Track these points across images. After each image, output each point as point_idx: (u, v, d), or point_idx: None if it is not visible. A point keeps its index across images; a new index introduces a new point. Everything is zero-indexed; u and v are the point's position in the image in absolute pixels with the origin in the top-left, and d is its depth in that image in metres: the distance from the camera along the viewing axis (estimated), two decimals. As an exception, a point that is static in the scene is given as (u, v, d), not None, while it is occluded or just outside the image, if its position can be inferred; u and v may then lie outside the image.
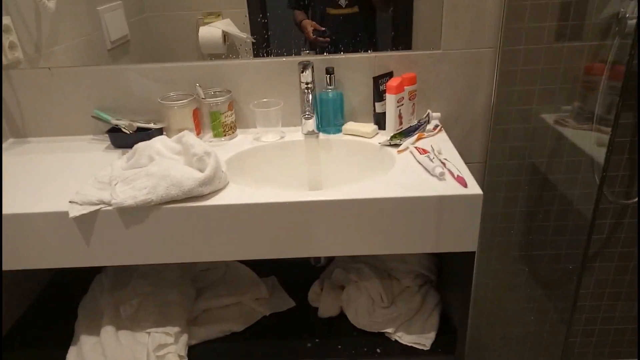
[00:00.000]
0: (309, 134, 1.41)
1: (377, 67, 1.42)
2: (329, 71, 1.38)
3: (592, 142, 1.46)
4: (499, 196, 1.63)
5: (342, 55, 1.42)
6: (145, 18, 1.42)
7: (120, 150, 1.39)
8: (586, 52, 1.41)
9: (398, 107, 1.35)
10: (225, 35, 1.43)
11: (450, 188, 1.09)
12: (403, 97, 1.36)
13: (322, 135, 1.43)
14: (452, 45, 1.40)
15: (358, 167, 1.38)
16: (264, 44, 1.43)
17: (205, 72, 1.44)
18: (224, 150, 1.36)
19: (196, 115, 1.40)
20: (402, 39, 1.43)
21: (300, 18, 1.43)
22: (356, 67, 1.42)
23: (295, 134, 1.44)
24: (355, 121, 1.50)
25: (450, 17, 1.36)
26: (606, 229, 1.70)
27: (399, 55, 1.41)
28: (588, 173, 1.51)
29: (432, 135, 1.39)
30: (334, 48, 1.43)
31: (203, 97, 1.37)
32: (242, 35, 1.43)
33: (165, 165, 1.10)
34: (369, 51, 1.42)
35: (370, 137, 1.40)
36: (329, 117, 1.43)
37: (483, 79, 1.44)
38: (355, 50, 1.42)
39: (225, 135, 1.42)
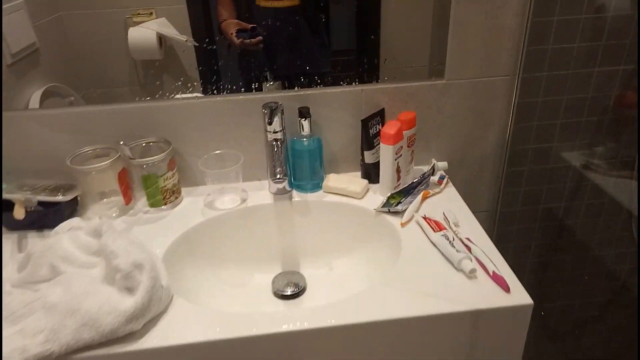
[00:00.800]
0: (279, 193, 1.07)
1: (364, 103, 1.09)
2: (303, 114, 1.04)
3: (630, 191, 1.20)
4: (508, 247, 1.36)
5: (317, 90, 1.07)
6: (59, 18, 1.01)
7: (17, 236, 0.99)
8: (619, 79, 1.14)
9: (396, 159, 1.03)
10: (160, 37, 1.05)
11: (488, 294, 0.78)
12: (402, 147, 1.04)
13: (296, 195, 1.09)
14: (459, 73, 1.08)
15: (347, 244, 1.06)
16: (214, 77, 1.06)
17: (133, 117, 1.05)
18: (165, 226, 0.99)
19: (123, 178, 1.02)
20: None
21: (224, 17, 1.05)
22: (337, 103, 1.09)
23: (260, 193, 1.10)
24: (337, 171, 1.17)
25: (458, 38, 1.04)
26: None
27: (392, 88, 1.08)
28: (625, 231, 1.26)
29: (439, 192, 1.09)
30: (307, 80, 1.08)
31: (131, 156, 1.00)
32: (182, 37, 1.05)
33: (75, 289, 0.73)
34: (354, 83, 1.08)
35: (360, 198, 1.07)
36: (304, 170, 1.09)
37: (496, 113, 1.14)
38: (323, 81, 1.08)
39: (165, 204, 1.05)
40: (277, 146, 0.99)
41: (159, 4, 1.03)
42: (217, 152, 1.08)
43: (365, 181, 1.10)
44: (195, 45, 1.04)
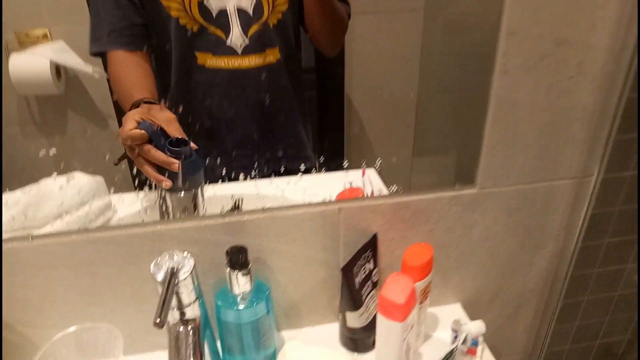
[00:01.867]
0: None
1: (342, 227, 0.64)
2: (239, 264, 0.57)
3: None
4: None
5: (262, 214, 0.61)
6: None
7: None
8: None
9: (405, 339, 0.58)
10: (57, 67, 0.59)
11: None
12: (415, 316, 0.59)
13: (229, 389, 0.63)
14: (500, 177, 0.65)
15: None
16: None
17: None
18: None
19: None
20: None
21: (134, 94, 0.62)
22: (296, 232, 0.63)
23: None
24: (299, 333, 0.71)
25: (502, 126, 0.61)
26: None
27: (391, 205, 0.64)
28: None
29: (472, 379, 0.65)
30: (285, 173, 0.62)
31: None
32: (86, 68, 0.61)
33: None
34: (328, 200, 0.63)
35: (340, 396, 0.62)
36: (240, 348, 0.62)
37: (551, 231, 0.72)
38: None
39: None
40: (187, 334, 0.53)
41: (56, 22, 0.63)
42: (76, 328, 0.60)
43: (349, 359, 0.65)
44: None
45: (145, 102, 0.59)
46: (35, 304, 0.60)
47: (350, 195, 0.64)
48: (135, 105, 0.59)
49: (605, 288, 0.81)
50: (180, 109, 0.62)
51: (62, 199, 0.57)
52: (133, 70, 0.64)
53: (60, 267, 0.58)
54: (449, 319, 0.74)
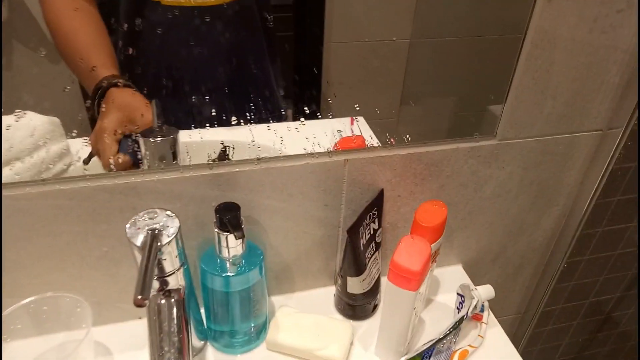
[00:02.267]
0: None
1: (346, 183, 0.56)
2: (231, 225, 0.48)
3: None
4: (533, 350, 0.94)
5: (256, 166, 0.52)
6: None
7: None
8: None
9: (416, 308, 0.52)
10: None
11: None
12: (426, 281, 0.53)
13: (215, 361, 0.56)
14: (523, 127, 0.58)
15: None
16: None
17: None
18: None
19: None
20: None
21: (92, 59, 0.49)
22: (294, 186, 0.54)
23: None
24: (291, 298, 0.64)
25: (535, 65, 0.53)
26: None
27: (402, 157, 0.56)
28: None
29: (478, 347, 0.60)
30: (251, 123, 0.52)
31: None
32: None
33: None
34: (331, 149, 0.54)
35: (341, 367, 0.56)
36: (230, 316, 0.55)
37: (566, 187, 0.67)
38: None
39: None
40: (170, 307, 0.44)
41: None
42: (34, 298, 0.50)
43: (348, 328, 0.58)
44: None
45: (111, 85, 0.47)
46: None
47: (356, 144, 0.55)
48: (100, 90, 0.47)
49: (607, 247, 0.78)
50: (133, 54, 0.50)
51: (10, 142, 0.46)
52: (79, 18, 0.49)
53: (11, 226, 0.47)
54: (450, 281, 0.69)
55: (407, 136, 0.55)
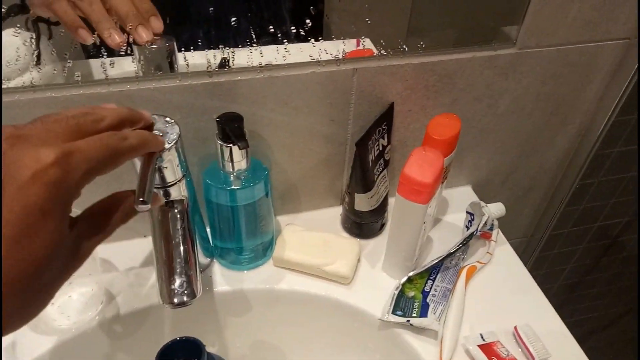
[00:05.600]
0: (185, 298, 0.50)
1: (355, 95, 0.53)
2: (234, 136, 0.46)
3: None
4: (537, 275, 0.94)
5: (258, 74, 0.49)
6: None
7: None
8: None
9: (424, 222, 0.51)
10: None
11: None
12: (437, 196, 0.51)
13: (220, 277, 0.55)
14: (545, 35, 0.54)
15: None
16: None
17: None
18: None
19: None
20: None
21: None
22: (299, 97, 0.51)
23: (142, 276, 0.55)
24: (297, 216, 0.63)
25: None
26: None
27: (414, 66, 0.52)
28: None
29: (486, 263, 0.60)
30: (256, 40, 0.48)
31: None
32: None
33: None
34: (338, 57, 0.50)
35: (348, 282, 0.56)
36: (236, 232, 0.54)
37: (584, 102, 0.63)
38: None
39: None
40: (174, 218, 0.43)
41: None
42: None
43: (355, 245, 0.57)
44: None
45: None
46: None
47: (366, 53, 0.52)
48: None
49: (621, 169, 0.76)
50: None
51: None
52: None
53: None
54: (459, 202, 0.67)
55: (422, 43, 0.51)
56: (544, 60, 0.56)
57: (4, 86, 0.44)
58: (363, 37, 0.52)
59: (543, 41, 0.54)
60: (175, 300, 0.41)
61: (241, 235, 0.54)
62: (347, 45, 0.50)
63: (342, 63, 0.50)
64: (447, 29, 0.54)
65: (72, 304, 0.50)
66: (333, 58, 0.50)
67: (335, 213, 0.64)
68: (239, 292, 0.55)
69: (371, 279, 0.57)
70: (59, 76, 0.44)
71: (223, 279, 0.55)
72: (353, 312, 0.54)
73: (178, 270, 0.42)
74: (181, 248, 0.42)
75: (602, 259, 0.98)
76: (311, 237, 0.58)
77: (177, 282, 0.41)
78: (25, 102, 0.44)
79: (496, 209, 0.60)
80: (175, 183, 0.43)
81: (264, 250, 0.57)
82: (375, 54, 0.51)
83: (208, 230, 0.56)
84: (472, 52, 0.53)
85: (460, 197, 0.68)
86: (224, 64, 0.48)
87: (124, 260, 0.56)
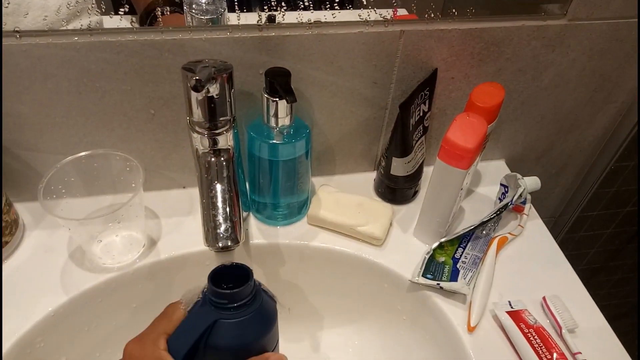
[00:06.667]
0: (226, 245, 0.52)
1: (399, 58, 0.53)
2: (282, 90, 0.46)
3: None
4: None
5: (306, 30, 0.49)
6: None
7: None
8: None
9: (462, 188, 0.52)
10: None
11: None
12: (476, 163, 0.52)
13: (256, 230, 0.57)
14: (597, 6, 0.53)
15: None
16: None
17: None
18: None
19: None
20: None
21: None
22: (345, 56, 0.52)
23: (185, 224, 0.56)
24: (332, 178, 0.64)
25: None
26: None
27: (461, 32, 0.52)
28: None
29: (517, 235, 0.60)
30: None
31: None
32: None
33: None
34: (387, 17, 0.50)
35: (380, 244, 0.57)
36: (273, 187, 0.55)
37: (626, 82, 0.62)
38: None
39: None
40: (220, 165, 0.44)
41: None
42: (89, 153, 0.51)
43: (388, 209, 0.58)
44: None
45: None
46: (33, 123, 0.49)
47: (410, 17, 0.51)
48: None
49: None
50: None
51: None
52: None
53: (59, 78, 0.46)
54: (492, 175, 0.68)
55: (471, 8, 0.51)
56: (593, 34, 0.55)
57: (62, 28, 0.45)
58: (399, 8, 0.52)
59: (594, 13, 0.53)
60: (220, 244, 0.43)
61: (278, 191, 0.55)
62: (387, 13, 0.50)
63: (390, 24, 0.50)
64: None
65: (116, 245, 0.52)
66: (382, 19, 0.50)
67: (368, 178, 0.65)
68: (274, 245, 0.56)
69: (402, 243, 0.58)
70: (115, 22, 0.45)
71: (259, 232, 0.57)
72: (384, 273, 0.55)
73: (223, 216, 0.43)
74: (227, 195, 0.44)
75: (628, 246, 0.97)
76: (346, 198, 0.59)
77: (223, 227, 0.43)
78: (82, 45, 0.45)
79: (532, 182, 0.60)
80: (223, 131, 0.44)
81: (299, 208, 0.58)
82: (424, 17, 0.51)
83: (247, 185, 0.58)
84: (521, 21, 0.52)
85: (493, 170, 0.68)
86: (272, 18, 0.48)
87: (163, 208, 0.58)
